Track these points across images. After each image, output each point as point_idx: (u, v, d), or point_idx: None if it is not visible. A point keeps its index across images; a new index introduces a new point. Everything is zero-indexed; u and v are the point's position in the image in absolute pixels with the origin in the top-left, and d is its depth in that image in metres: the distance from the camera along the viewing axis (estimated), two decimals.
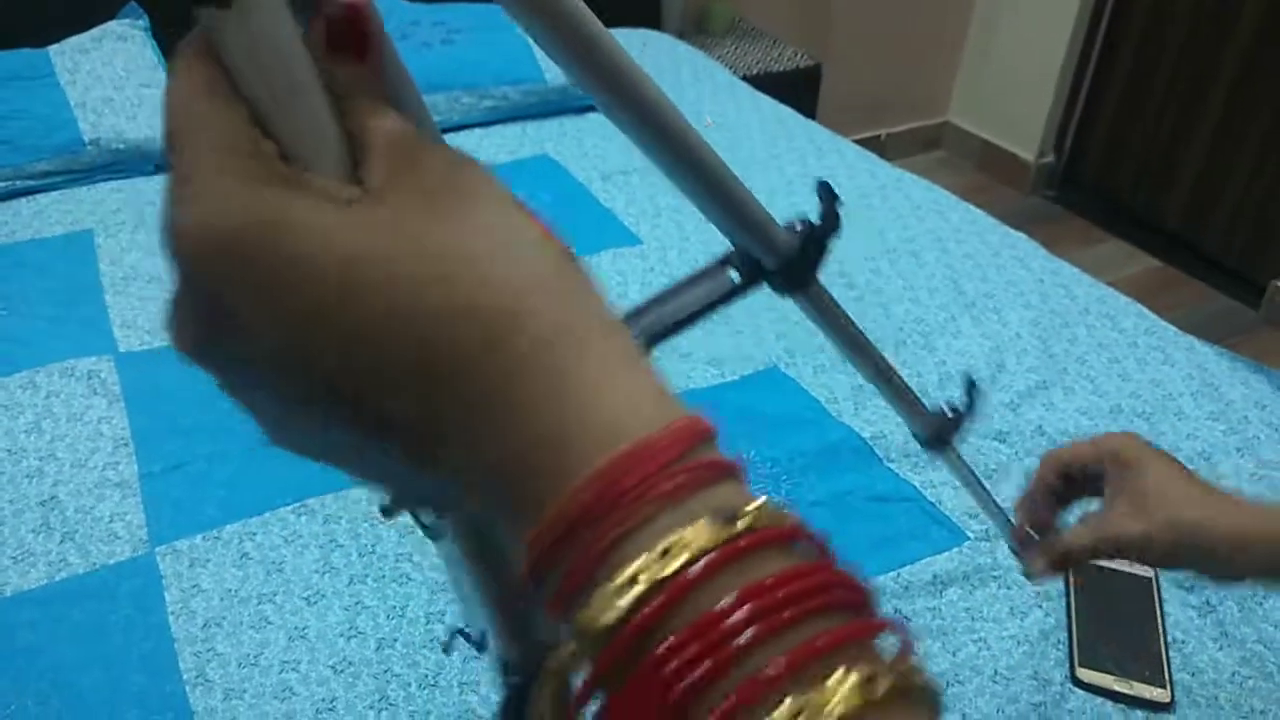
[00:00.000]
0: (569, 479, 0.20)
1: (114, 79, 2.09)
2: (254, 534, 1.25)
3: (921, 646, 1.15)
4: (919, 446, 0.88)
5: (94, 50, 2.15)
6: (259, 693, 1.07)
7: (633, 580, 0.19)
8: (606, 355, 0.22)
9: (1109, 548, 0.68)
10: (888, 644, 0.22)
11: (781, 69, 2.83)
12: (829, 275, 0.62)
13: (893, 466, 1.39)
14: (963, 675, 1.11)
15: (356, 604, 1.17)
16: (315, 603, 1.17)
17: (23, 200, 1.93)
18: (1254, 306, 2.71)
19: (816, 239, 0.60)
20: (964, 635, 1.16)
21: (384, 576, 1.21)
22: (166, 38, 2.25)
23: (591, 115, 2.25)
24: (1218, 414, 1.48)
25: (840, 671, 0.19)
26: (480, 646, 0.98)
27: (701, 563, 0.19)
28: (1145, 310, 1.73)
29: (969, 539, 1.27)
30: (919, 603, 1.19)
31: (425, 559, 1.23)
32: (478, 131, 2.25)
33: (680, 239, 1.89)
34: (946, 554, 1.25)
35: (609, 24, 0.39)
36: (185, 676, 1.08)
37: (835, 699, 0.19)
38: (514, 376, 0.21)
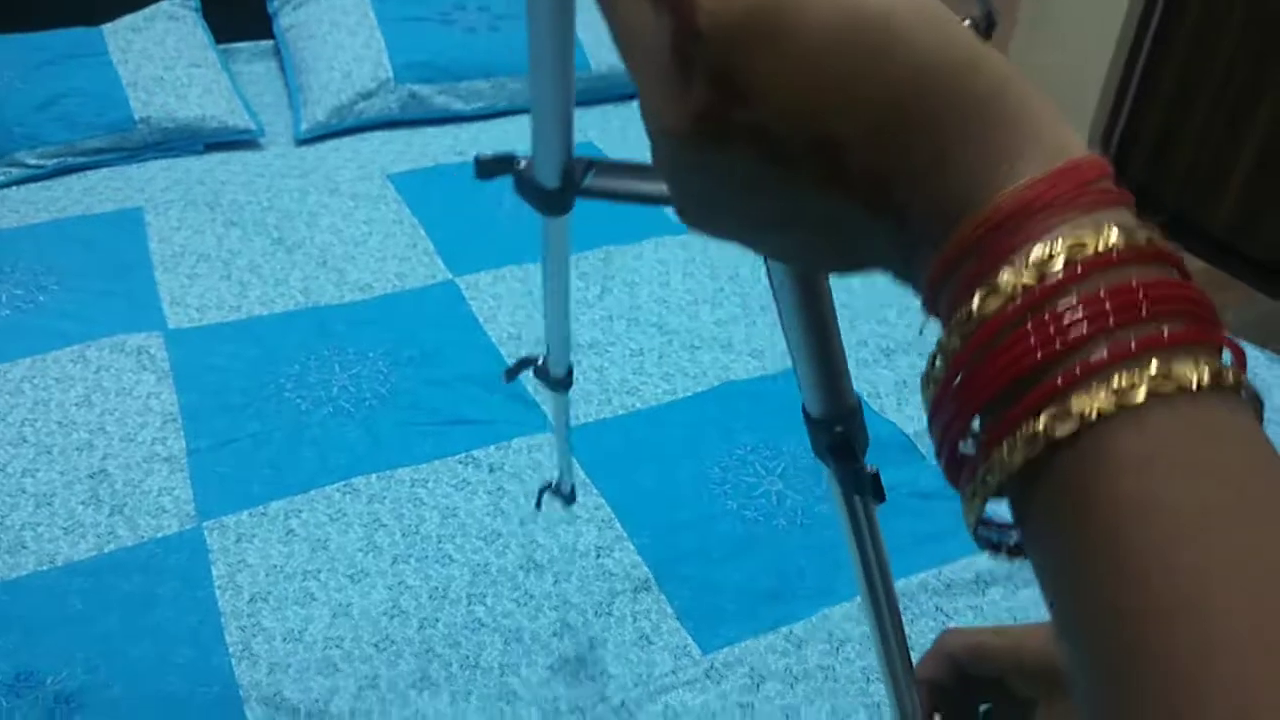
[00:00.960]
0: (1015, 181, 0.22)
1: (165, 58, 2.11)
2: (299, 511, 1.27)
3: None
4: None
5: (146, 29, 2.17)
6: (303, 668, 1.08)
7: (1045, 260, 0.21)
8: (1041, 101, 0.24)
9: None
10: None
11: None
12: None
13: (936, 464, 1.37)
14: None
15: (399, 583, 1.18)
16: (359, 581, 1.19)
17: (74, 176, 1.95)
18: None
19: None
20: None
21: (427, 557, 1.22)
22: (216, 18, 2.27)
23: (635, 103, 2.25)
24: (1265, 419, 1.45)
25: (1192, 359, 0.21)
26: (569, 500, 1.00)
27: (1100, 257, 0.21)
28: None
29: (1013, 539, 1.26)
30: (961, 601, 1.18)
31: (467, 541, 1.24)
32: (523, 118, 2.25)
33: None
34: (988, 553, 1.24)
35: None
36: (231, 650, 1.09)
37: (1194, 373, 0.20)
38: (985, 106, 0.23)
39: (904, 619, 1.20)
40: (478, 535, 1.25)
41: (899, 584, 1.19)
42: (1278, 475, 0.21)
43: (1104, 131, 3.31)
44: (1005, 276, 0.22)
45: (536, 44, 0.54)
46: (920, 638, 1.14)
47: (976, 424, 0.23)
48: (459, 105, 2.24)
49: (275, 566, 1.20)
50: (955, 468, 0.24)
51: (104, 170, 1.98)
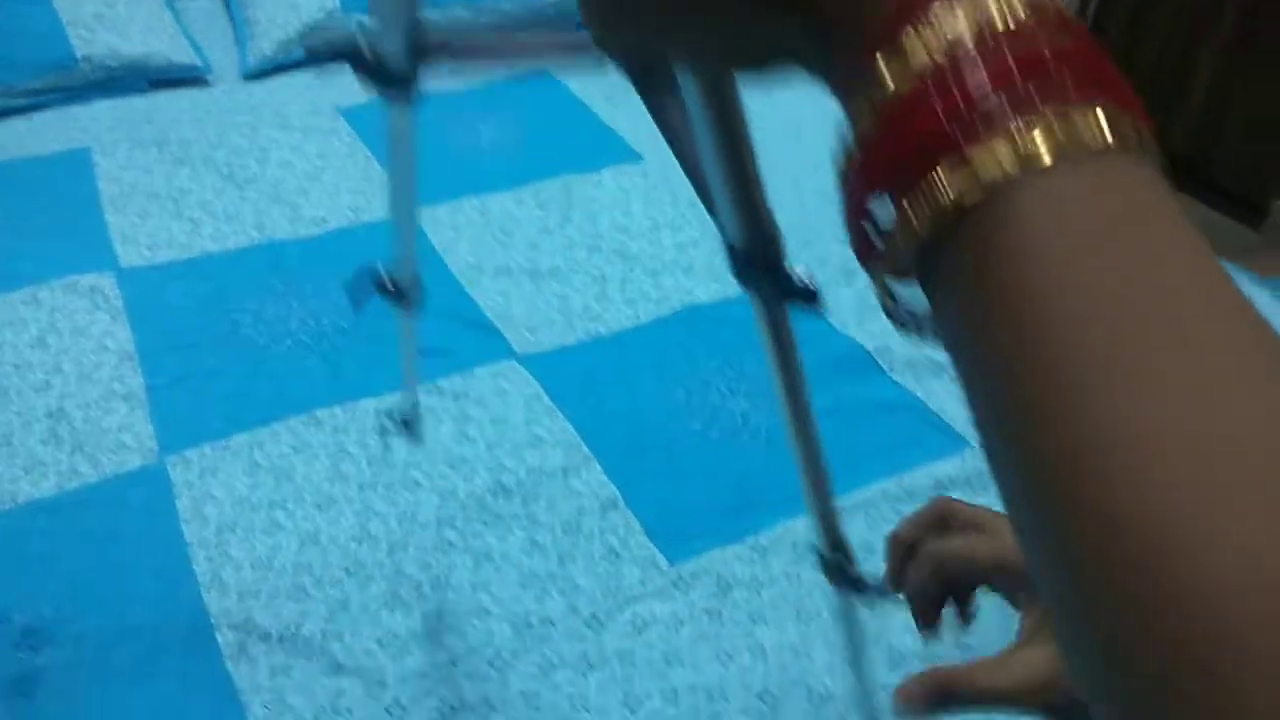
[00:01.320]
0: None
1: None
2: (262, 443, 1.26)
3: None
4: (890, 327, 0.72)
5: None
6: (273, 594, 1.09)
7: (954, 29, 0.21)
8: None
9: (1018, 698, 0.48)
10: None
11: None
12: None
13: (895, 377, 1.39)
14: None
15: (367, 510, 1.19)
16: (326, 509, 1.19)
17: (17, 118, 1.90)
18: (1255, 228, 2.70)
19: None
20: None
21: (394, 484, 1.22)
22: None
23: None
24: None
25: (1097, 110, 0.21)
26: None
27: (1007, 26, 0.21)
28: None
29: (970, 446, 1.28)
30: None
31: (434, 468, 1.24)
32: None
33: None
34: (948, 460, 1.27)
35: None
36: (200, 580, 1.10)
37: (1100, 132, 0.21)
38: None
39: (864, 525, 1.22)
40: (444, 461, 1.25)
41: (859, 493, 1.21)
42: (1180, 232, 0.21)
43: None
44: (913, 46, 0.21)
45: None
46: (883, 541, 1.17)
47: (888, 207, 0.23)
48: None
49: (241, 498, 1.19)
50: (866, 247, 0.24)
51: (47, 111, 1.92)
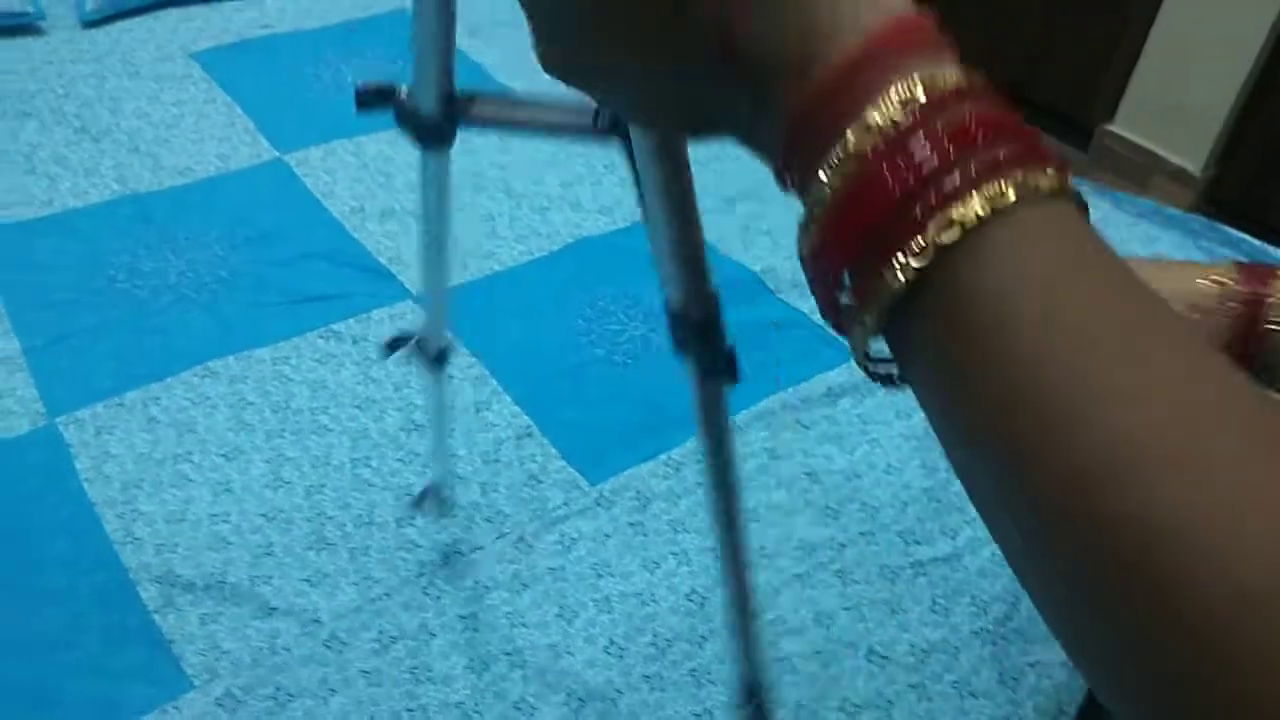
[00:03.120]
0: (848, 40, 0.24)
1: None
2: (157, 398, 1.23)
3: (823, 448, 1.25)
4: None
5: None
6: (192, 545, 1.07)
7: (901, 101, 0.24)
8: None
9: None
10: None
11: None
12: None
13: (783, 297, 1.46)
14: (860, 470, 1.22)
15: (278, 456, 1.18)
16: (234, 459, 1.17)
17: None
18: (1084, 150, 2.92)
19: None
20: (858, 438, 1.26)
21: (301, 429, 1.21)
22: None
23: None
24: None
25: (1019, 173, 0.23)
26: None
27: (941, 97, 0.24)
28: None
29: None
30: (816, 412, 1.28)
31: (342, 411, 1.24)
32: None
33: (556, 92, 1.88)
34: (836, 370, 1.35)
35: None
36: (112, 537, 1.07)
37: (1037, 182, 0.23)
38: None
39: (766, 434, 1.29)
40: (352, 404, 1.25)
41: (759, 405, 1.28)
42: (1118, 273, 0.24)
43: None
44: (873, 117, 0.24)
45: None
46: (784, 447, 1.24)
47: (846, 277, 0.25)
48: None
49: (142, 454, 1.16)
50: (836, 313, 0.26)
51: None
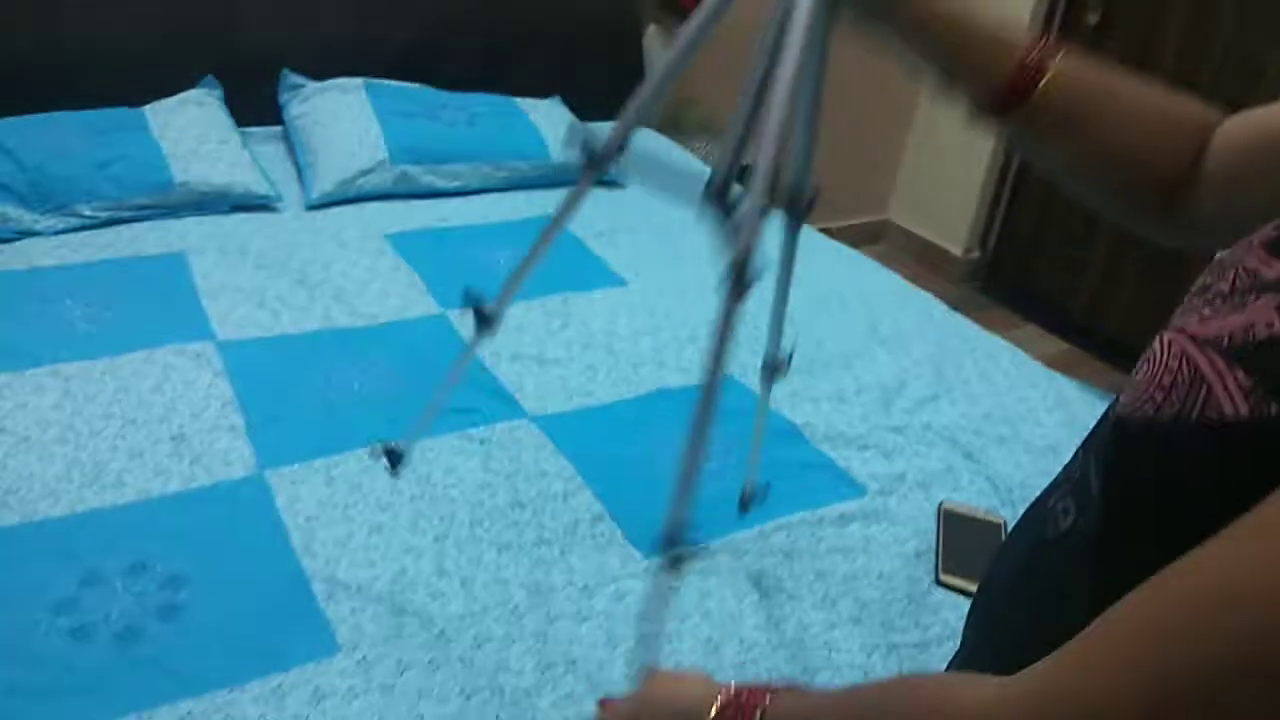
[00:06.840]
0: None
1: (197, 135, 2.54)
2: (336, 465, 1.66)
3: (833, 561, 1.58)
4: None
5: (179, 111, 2.60)
6: (351, 562, 1.47)
7: None
8: None
9: None
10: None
11: (744, 164, 3.34)
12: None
13: (816, 446, 1.84)
14: (858, 575, 1.55)
15: (417, 513, 1.58)
16: (386, 510, 1.58)
17: (123, 227, 2.35)
18: None
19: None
20: (860, 551, 1.59)
21: (436, 498, 1.62)
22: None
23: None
24: (1066, 420, 1.96)
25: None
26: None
27: None
28: (1020, 352, 2.22)
29: (868, 493, 1.72)
30: (829, 530, 1.63)
31: (466, 490, 1.65)
32: (494, 195, 2.72)
33: (659, 282, 2.36)
34: (851, 501, 1.70)
35: (588, 119, 0.84)
36: (297, 550, 1.48)
37: None
38: None
39: (787, 540, 1.61)
40: (474, 486, 1.66)
41: (787, 518, 1.63)
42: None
43: (982, 232, 3.93)
44: None
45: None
46: (799, 553, 1.58)
47: None
48: (441, 183, 2.70)
49: (321, 501, 1.59)
50: None
51: (147, 223, 2.38)
